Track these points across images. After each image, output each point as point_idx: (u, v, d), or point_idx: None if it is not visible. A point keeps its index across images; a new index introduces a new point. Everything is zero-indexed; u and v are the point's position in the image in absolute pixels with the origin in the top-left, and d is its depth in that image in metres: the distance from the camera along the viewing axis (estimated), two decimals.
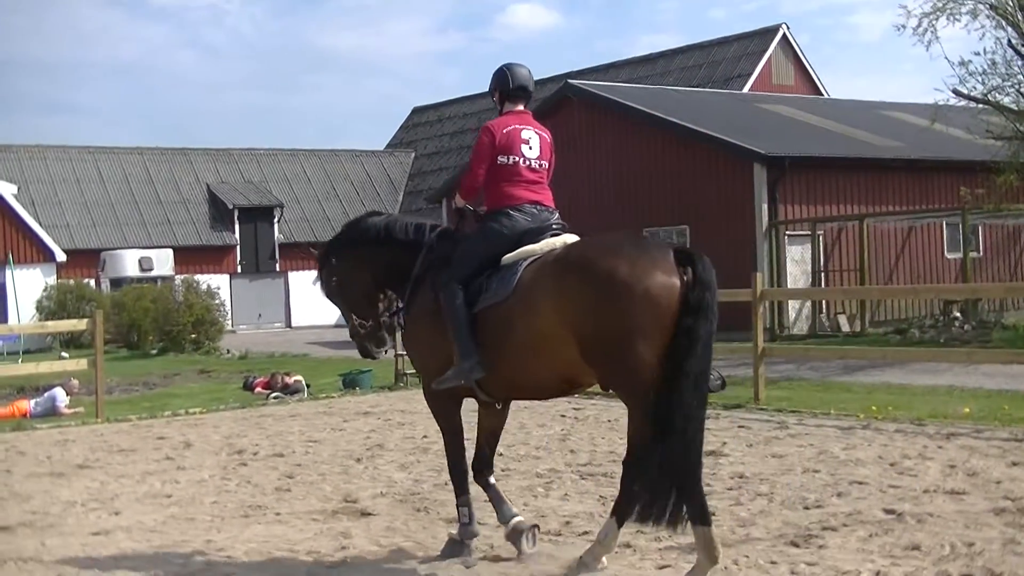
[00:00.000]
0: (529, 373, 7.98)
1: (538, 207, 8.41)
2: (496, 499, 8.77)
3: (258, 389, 22.69)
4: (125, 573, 8.37)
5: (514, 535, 8.47)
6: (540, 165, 8.50)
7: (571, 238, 8.31)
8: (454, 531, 8.62)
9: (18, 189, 50.50)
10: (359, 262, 9.04)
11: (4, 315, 44.75)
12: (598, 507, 10.06)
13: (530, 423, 15.92)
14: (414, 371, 22.98)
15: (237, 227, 56.25)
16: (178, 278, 44.03)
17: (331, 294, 9.40)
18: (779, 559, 7.99)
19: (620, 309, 7.34)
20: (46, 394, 21.59)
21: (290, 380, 22.61)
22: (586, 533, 9.02)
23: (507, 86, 8.65)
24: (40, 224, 49.54)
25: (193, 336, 37.77)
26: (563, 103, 38.26)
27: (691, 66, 53.51)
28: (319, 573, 8.16)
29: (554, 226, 8.42)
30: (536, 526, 8.65)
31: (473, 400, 8.65)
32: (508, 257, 8.17)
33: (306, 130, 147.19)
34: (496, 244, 8.28)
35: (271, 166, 61.16)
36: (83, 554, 9.04)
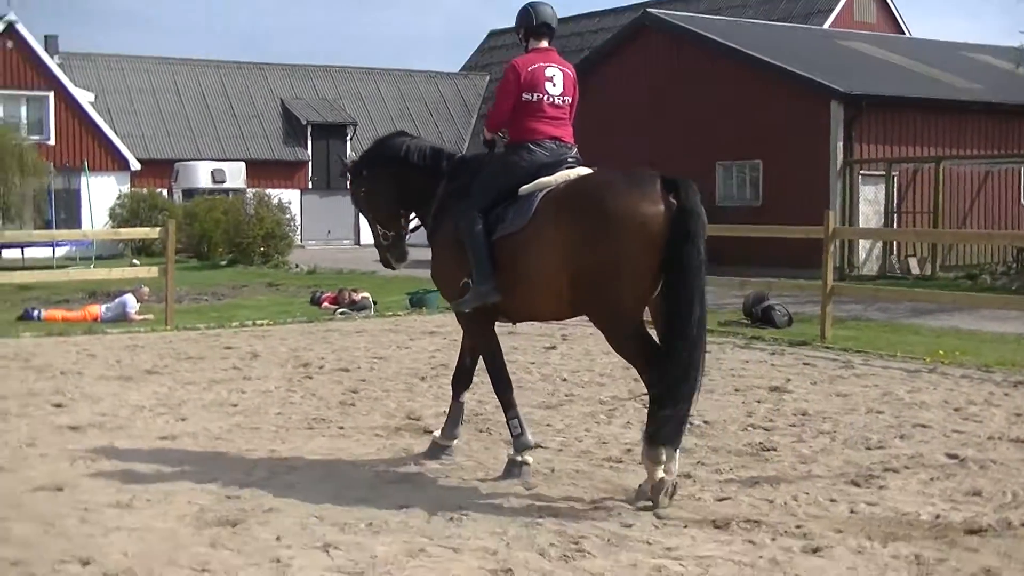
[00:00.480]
0: (542, 299, 8.32)
1: (557, 142, 8.66)
2: (453, 416, 9.30)
3: (325, 304, 22.84)
4: (190, 478, 8.48)
5: (433, 449, 9.20)
6: (563, 101, 8.74)
7: (584, 171, 8.55)
8: (512, 451, 8.71)
9: (95, 97, 50.94)
10: (385, 178, 9.39)
11: (78, 221, 45.30)
12: None
13: (595, 349, 15.90)
14: None
15: (310, 143, 56.51)
16: (249, 191, 44.23)
17: (359, 204, 9.89)
18: (839, 498, 7.96)
19: (609, 241, 7.70)
20: (116, 300, 21.85)
21: (357, 296, 22.72)
22: None
23: (531, 23, 8.88)
24: (116, 133, 50.04)
25: (262, 249, 37.97)
26: (641, 31, 38.05)
27: (771, 0, 52.89)
28: (380, 488, 8.22)
29: (569, 159, 8.66)
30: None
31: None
32: (525, 188, 8.43)
33: (382, 49, 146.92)
34: (515, 176, 8.54)
35: (345, 83, 61.23)
36: (150, 457, 9.18)
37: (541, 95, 8.62)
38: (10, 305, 24.04)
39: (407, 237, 9.69)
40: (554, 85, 8.67)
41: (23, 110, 46.84)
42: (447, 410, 9.47)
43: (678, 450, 8.01)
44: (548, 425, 10.61)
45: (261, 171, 52.24)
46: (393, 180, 9.35)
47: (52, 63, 48.20)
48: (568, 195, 8.10)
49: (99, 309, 21.54)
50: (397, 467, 8.89)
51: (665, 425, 7.69)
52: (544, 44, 8.90)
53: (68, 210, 45.81)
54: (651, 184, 7.82)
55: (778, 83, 32.74)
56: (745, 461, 9.12)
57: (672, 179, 7.87)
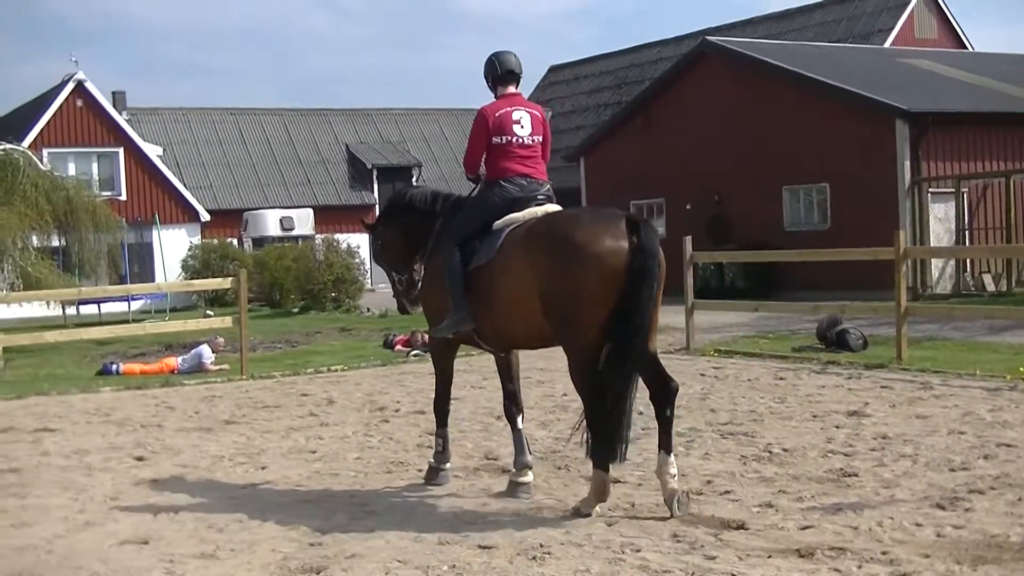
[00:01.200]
0: (511, 327, 9.04)
1: (528, 179, 9.33)
2: (518, 444, 9.65)
3: (398, 347, 22.90)
4: (272, 526, 8.54)
5: (511, 488, 9.43)
6: (533, 140, 9.42)
7: (553, 208, 9.24)
8: (434, 463, 10.01)
9: (163, 151, 51.58)
10: (395, 227, 10.36)
11: (151, 273, 45.79)
12: (739, 466, 10.04)
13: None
14: None
15: (376, 186, 56.76)
16: (318, 237, 44.52)
17: (377, 256, 10.88)
18: (924, 521, 7.88)
19: (573, 271, 8.28)
20: (192, 351, 22.03)
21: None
22: (728, 492, 9.02)
23: (497, 72, 9.65)
24: (185, 185, 50.61)
25: (333, 294, 38.15)
26: (700, 59, 38.03)
27: (830, 21, 52.67)
28: (461, 529, 8.22)
29: (539, 197, 9.30)
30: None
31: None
32: (497, 223, 9.15)
33: (442, 90, 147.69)
34: (488, 211, 9.29)
35: (409, 126, 61.55)
36: (232, 507, 9.25)
37: (510, 137, 9.32)
38: (89, 360, 24.39)
39: (419, 282, 10.31)
40: (522, 127, 9.38)
41: (94, 167, 47.46)
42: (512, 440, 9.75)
43: (672, 455, 8.60)
44: (626, 459, 10.56)
45: (329, 216, 52.45)
46: (401, 228, 10.27)
47: (120, 119, 48.86)
48: (539, 228, 8.72)
49: (176, 361, 21.74)
50: (477, 507, 8.91)
51: (597, 447, 8.52)
52: (511, 89, 9.63)
53: (142, 263, 46.36)
54: (615, 222, 8.41)
55: (841, 104, 32.53)
56: (827, 488, 9.05)
57: (634, 219, 8.44)
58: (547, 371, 17.99)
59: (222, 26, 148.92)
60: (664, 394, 8.76)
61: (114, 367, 21.56)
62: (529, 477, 9.44)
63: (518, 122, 9.37)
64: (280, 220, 49.44)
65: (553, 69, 70.11)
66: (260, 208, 51.61)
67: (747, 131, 35.13)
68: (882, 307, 18.52)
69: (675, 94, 38.66)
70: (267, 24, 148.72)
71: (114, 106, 50.40)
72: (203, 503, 9.45)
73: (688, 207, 37.13)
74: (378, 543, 7.91)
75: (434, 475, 9.89)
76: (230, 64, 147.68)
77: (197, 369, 21.09)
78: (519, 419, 9.80)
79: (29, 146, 39.78)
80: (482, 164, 9.56)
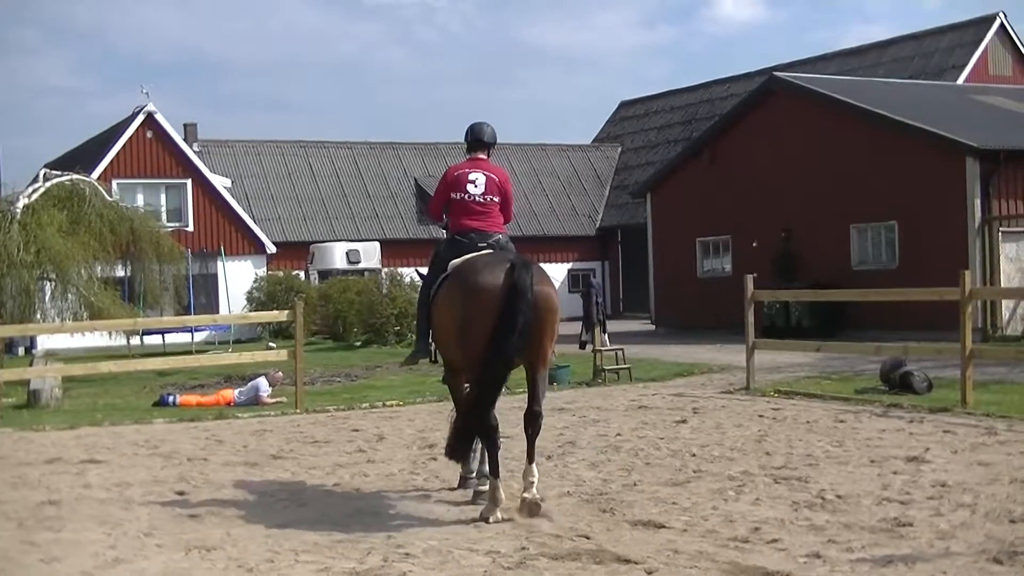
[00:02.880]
0: (450, 352, 10.74)
1: (477, 232, 10.90)
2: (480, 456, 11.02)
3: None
4: (303, 567, 8.34)
5: (462, 483, 11.32)
6: (486, 199, 11.01)
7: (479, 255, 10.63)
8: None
9: (232, 182, 51.90)
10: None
11: (216, 305, 45.99)
12: (790, 513, 9.70)
13: (727, 423, 15.61)
14: (611, 367, 22.96)
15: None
16: (384, 270, 44.52)
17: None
18: None
19: (464, 302, 10.11)
20: (250, 384, 22.02)
21: None
22: (775, 541, 8.68)
23: (469, 139, 11.55)
24: (253, 217, 50.87)
25: (396, 328, 38.03)
26: (768, 96, 37.79)
27: (903, 57, 52.15)
28: (496, 575, 7.98)
29: (480, 246, 10.74)
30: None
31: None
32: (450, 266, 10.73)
33: (513, 125, 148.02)
34: (446, 259, 10.87)
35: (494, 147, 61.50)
36: (265, 545, 9.06)
37: (463, 195, 11.00)
38: (148, 391, 24.44)
39: None
40: (475, 186, 11.00)
41: (163, 197, 47.82)
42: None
43: (534, 464, 10.32)
44: (674, 503, 10.30)
45: (396, 250, 52.40)
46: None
47: (190, 151, 49.21)
48: (452, 272, 10.53)
49: (233, 393, 21.70)
50: (514, 552, 8.63)
51: (456, 444, 10.56)
52: (480, 156, 11.39)
53: (207, 295, 46.57)
54: (499, 266, 10.05)
55: (910, 141, 32.10)
56: (879, 538, 8.69)
57: (515, 263, 9.98)
58: (603, 410, 17.79)
59: (299, 61, 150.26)
60: (528, 416, 10.42)
61: (171, 398, 21.59)
62: (485, 486, 10.51)
63: (472, 182, 11.00)
64: (347, 253, 49.52)
65: (624, 104, 70.02)
66: (327, 241, 51.72)
67: (815, 168, 34.78)
68: (947, 348, 18.02)
69: (742, 130, 38.37)
70: (345, 59, 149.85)
71: (185, 138, 50.84)
72: (236, 540, 9.25)
73: (754, 244, 36.79)
74: None
75: (463, 483, 11.32)
76: (304, 98, 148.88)
77: (254, 402, 21.06)
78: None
79: (99, 177, 40.22)
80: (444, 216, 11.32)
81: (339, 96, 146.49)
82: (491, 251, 10.66)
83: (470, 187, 10.99)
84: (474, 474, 11.11)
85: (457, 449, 10.54)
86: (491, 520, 9.73)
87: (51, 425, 17.81)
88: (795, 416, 16.08)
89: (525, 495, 10.02)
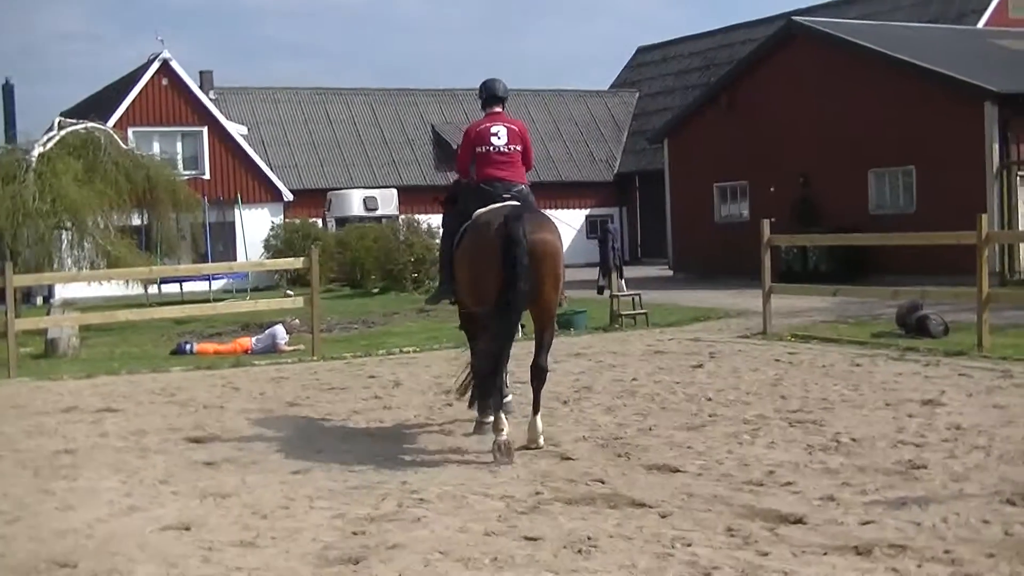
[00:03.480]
0: (469, 295, 11.25)
1: (502, 181, 11.32)
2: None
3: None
4: (318, 513, 8.36)
5: (478, 428, 11.58)
6: (509, 149, 11.46)
7: (502, 206, 11.04)
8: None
9: (248, 130, 51.77)
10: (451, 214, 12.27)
11: (234, 253, 45.99)
12: (804, 456, 9.69)
13: (743, 367, 15.59)
14: (628, 313, 22.94)
15: None
16: (402, 217, 44.44)
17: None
18: (993, 519, 7.48)
19: (471, 261, 10.89)
20: (267, 331, 22.06)
21: None
22: (789, 484, 8.68)
23: (484, 96, 12.00)
24: (269, 164, 50.77)
25: (414, 275, 37.97)
26: (788, 41, 37.42)
27: (922, 2, 51.62)
28: (510, 519, 7.97)
29: (505, 196, 11.16)
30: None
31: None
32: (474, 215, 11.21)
33: (530, 72, 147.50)
34: (471, 206, 11.30)
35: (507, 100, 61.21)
36: (281, 492, 9.08)
37: (488, 147, 11.42)
38: (166, 339, 24.50)
39: None
40: (498, 138, 11.44)
41: (179, 146, 47.77)
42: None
43: (539, 416, 10.82)
44: (689, 447, 10.30)
45: (414, 197, 52.16)
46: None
47: (205, 99, 49.08)
48: (470, 225, 11.12)
49: (250, 341, 21.75)
50: (528, 497, 8.63)
51: (476, 392, 10.87)
52: (496, 109, 11.83)
53: (225, 243, 46.57)
54: (498, 218, 10.56)
55: (928, 86, 31.82)
56: (893, 480, 8.67)
57: (510, 215, 10.49)
58: (620, 355, 17.79)
59: (317, 8, 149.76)
60: (534, 369, 10.87)
61: (188, 347, 21.64)
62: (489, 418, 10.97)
63: (495, 134, 11.45)
64: (364, 200, 49.37)
65: (641, 50, 69.52)
66: (345, 188, 51.61)
67: (833, 113, 34.50)
68: (964, 292, 17.90)
69: (761, 76, 38.08)
70: (361, 7, 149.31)
71: (201, 86, 50.61)
72: (252, 487, 9.28)
73: (772, 190, 36.63)
74: (422, 533, 7.69)
75: (479, 428, 11.57)
76: (323, 45, 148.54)
77: (271, 349, 21.11)
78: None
79: (114, 125, 40.09)
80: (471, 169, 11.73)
81: (355, 44, 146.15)
82: (508, 203, 11.02)
83: (493, 139, 11.43)
84: (490, 420, 11.19)
85: (477, 396, 10.85)
86: (498, 446, 10.22)
87: (68, 374, 17.88)
88: (811, 360, 16.04)
89: (531, 445, 10.64)
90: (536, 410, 10.78)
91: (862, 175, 33.98)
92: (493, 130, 11.51)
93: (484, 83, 12.06)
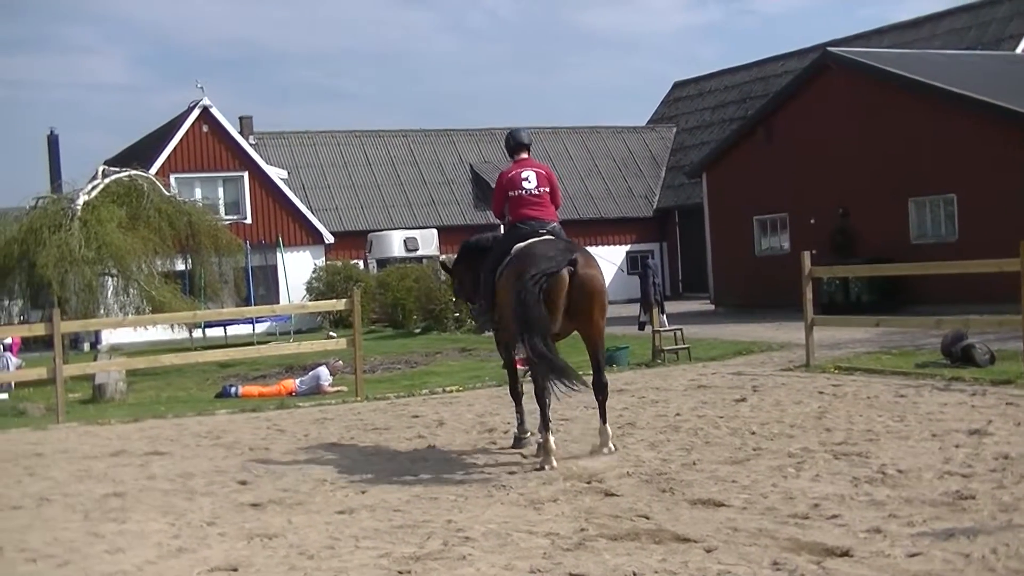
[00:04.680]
0: (508, 326, 12.15)
1: (535, 220, 12.55)
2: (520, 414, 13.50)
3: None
4: (363, 552, 8.39)
5: (517, 443, 13.16)
6: (539, 191, 12.67)
7: (538, 240, 12.28)
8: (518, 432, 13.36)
9: (288, 174, 52.13)
10: (466, 267, 13.99)
11: (276, 296, 46.22)
12: (850, 489, 9.64)
13: (786, 400, 15.55)
14: (670, 348, 22.92)
15: None
16: (442, 257, 44.55)
17: (457, 292, 15.28)
18: None
19: (511, 281, 11.84)
20: (310, 373, 22.14)
21: None
22: (835, 517, 8.64)
23: (511, 145, 13.23)
24: (310, 207, 51.09)
25: (455, 315, 38.08)
26: (823, 71, 37.39)
27: (959, 28, 51.47)
28: (555, 557, 7.98)
29: (540, 232, 12.39)
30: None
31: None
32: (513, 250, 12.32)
33: (567, 109, 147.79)
34: (509, 243, 12.48)
35: (533, 145, 61.27)
36: (326, 532, 9.13)
37: (520, 191, 12.62)
38: (211, 383, 24.64)
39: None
40: (529, 182, 12.64)
41: (220, 191, 48.18)
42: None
43: (607, 424, 12.35)
44: (733, 481, 10.27)
45: (454, 237, 52.21)
46: (468, 265, 13.91)
47: (245, 144, 49.50)
48: (512, 258, 12.14)
49: (294, 383, 21.85)
50: (573, 534, 8.63)
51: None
52: (523, 156, 13.01)
53: (267, 286, 46.85)
54: (545, 255, 11.72)
55: (967, 113, 31.73)
56: (940, 512, 8.63)
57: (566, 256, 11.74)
58: (662, 390, 17.78)
59: (350, 50, 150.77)
60: (596, 384, 12.24)
61: (233, 389, 21.77)
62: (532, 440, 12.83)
63: (526, 179, 12.65)
64: (404, 241, 49.56)
65: (678, 85, 69.61)
66: (385, 229, 51.83)
67: (871, 142, 34.44)
68: (1008, 321, 17.82)
69: (797, 107, 38.07)
70: (395, 47, 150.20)
71: (241, 131, 51.11)
72: (298, 528, 9.34)
73: (812, 221, 36.56)
74: (468, 571, 7.72)
75: (517, 443, 13.14)
76: (358, 88, 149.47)
77: (315, 391, 21.19)
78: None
79: (157, 172, 40.47)
80: (505, 211, 12.81)
81: (390, 85, 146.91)
82: (543, 237, 12.30)
83: (524, 184, 12.62)
84: (528, 434, 13.07)
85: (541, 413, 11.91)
86: (547, 468, 11.34)
87: (116, 418, 18.04)
88: (855, 392, 15.99)
89: (603, 449, 12.14)
90: (603, 419, 12.25)
91: (902, 204, 33.86)
92: (524, 175, 12.69)
93: (510, 133, 13.35)
